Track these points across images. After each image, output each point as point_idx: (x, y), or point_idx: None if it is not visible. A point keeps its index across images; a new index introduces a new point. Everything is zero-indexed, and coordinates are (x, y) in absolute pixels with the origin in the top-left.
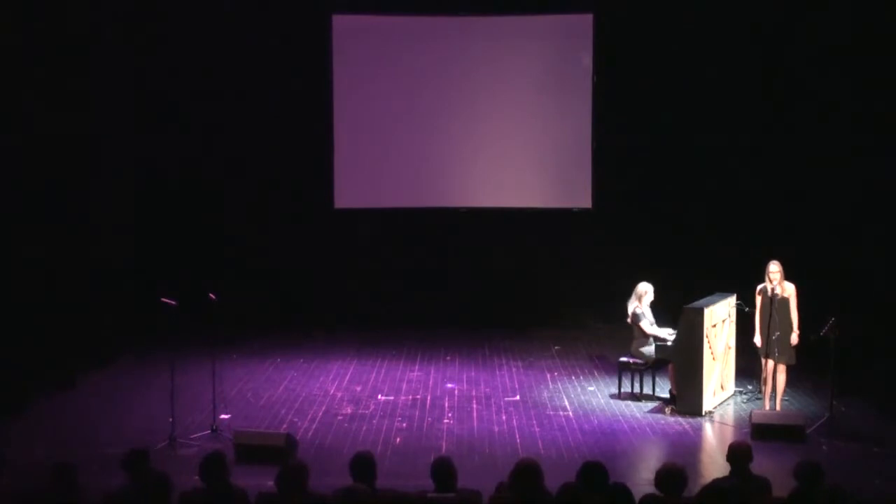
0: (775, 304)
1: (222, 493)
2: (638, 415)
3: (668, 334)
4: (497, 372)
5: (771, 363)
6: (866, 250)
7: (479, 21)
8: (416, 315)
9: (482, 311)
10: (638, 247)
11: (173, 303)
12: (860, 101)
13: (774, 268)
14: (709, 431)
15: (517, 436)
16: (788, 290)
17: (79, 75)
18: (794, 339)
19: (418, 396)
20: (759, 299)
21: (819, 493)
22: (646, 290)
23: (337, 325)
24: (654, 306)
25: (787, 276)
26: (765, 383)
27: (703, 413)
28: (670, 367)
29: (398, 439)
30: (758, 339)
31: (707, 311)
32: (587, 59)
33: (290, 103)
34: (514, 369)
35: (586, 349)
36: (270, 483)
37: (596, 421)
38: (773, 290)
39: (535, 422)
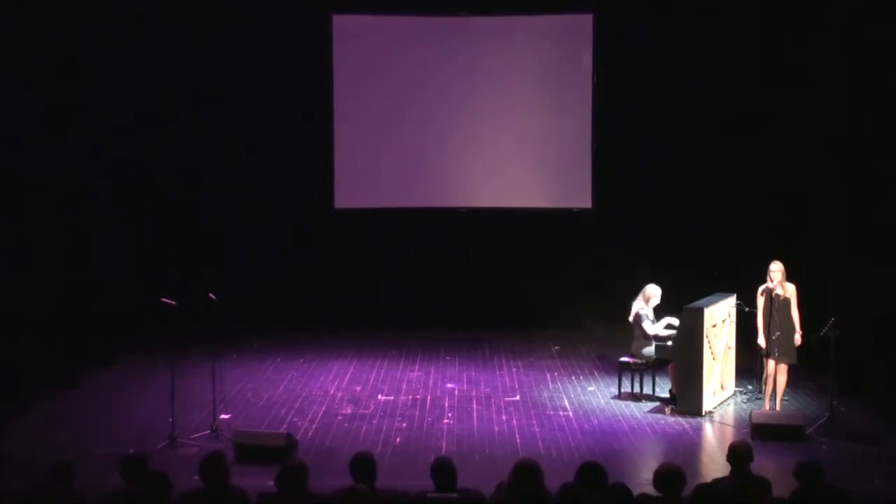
0: (776, 305)
1: (222, 493)
2: (638, 415)
3: (670, 322)
4: (497, 372)
5: (772, 363)
6: (866, 250)
7: (479, 21)
8: (416, 315)
9: (482, 311)
10: (638, 247)
11: (173, 303)
12: (861, 100)
13: (776, 267)
14: (709, 431)
15: (517, 436)
16: (790, 291)
17: (79, 74)
18: (798, 339)
19: (418, 396)
20: (761, 300)
21: (819, 493)
22: (653, 292)
23: (337, 325)
24: (656, 306)
25: (789, 276)
26: (766, 383)
27: (703, 413)
28: (670, 367)
29: (398, 439)
30: (761, 340)
31: (707, 311)
32: (587, 59)
33: (291, 103)
34: (514, 369)
35: (586, 349)
36: (270, 483)
37: (596, 421)
38: (773, 289)
39: (535, 422)
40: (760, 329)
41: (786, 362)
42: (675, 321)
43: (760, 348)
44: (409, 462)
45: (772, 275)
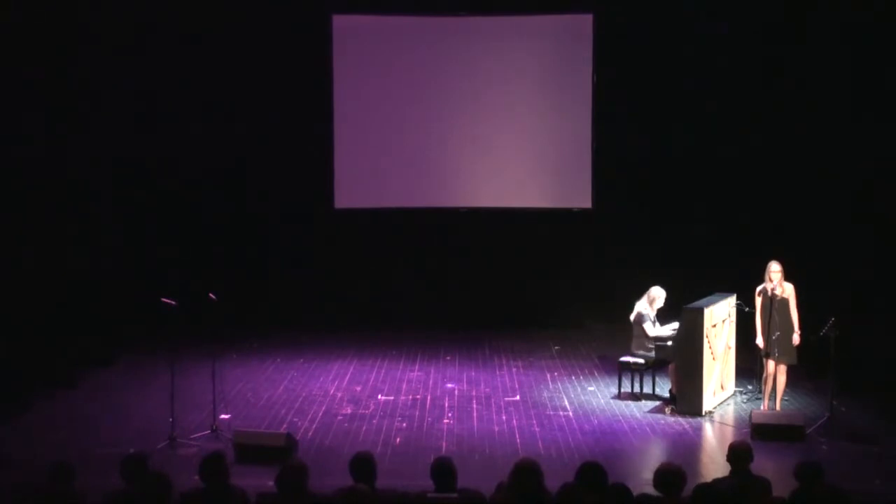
0: (776, 305)
1: (222, 493)
2: (638, 415)
3: (671, 330)
4: (497, 372)
5: (771, 363)
6: (866, 249)
7: (479, 21)
8: (416, 315)
9: (482, 311)
10: (638, 247)
11: (173, 303)
12: (860, 100)
13: (776, 267)
14: (709, 431)
15: (517, 436)
16: (788, 291)
17: (79, 75)
18: (796, 339)
19: (418, 396)
20: (759, 300)
21: (819, 493)
22: (658, 294)
23: (337, 325)
24: (659, 309)
25: (788, 276)
26: (765, 383)
27: (703, 413)
28: (670, 367)
29: (398, 439)
30: (759, 341)
31: (707, 311)
32: (587, 59)
33: (291, 103)
34: (514, 369)
35: (586, 349)
36: (270, 483)
37: (596, 421)
38: (773, 289)
39: (535, 422)
40: (759, 329)
41: (785, 362)
42: (672, 332)
43: (759, 349)
44: (409, 462)
45: (771, 275)
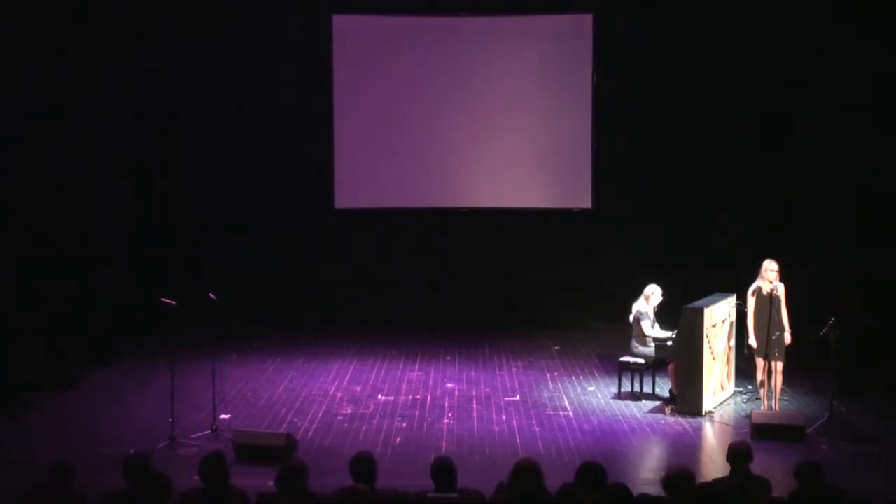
0: (775, 304)
1: (222, 493)
2: (638, 415)
3: (668, 334)
4: (497, 372)
5: (769, 363)
6: (865, 249)
7: (479, 21)
8: (415, 315)
9: (482, 311)
10: (638, 247)
11: (173, 303)
12: (859, 98)
13: (775, 266)
14: (709, 431)
15: (517, 436)
16: (780, 290)
17: (79, 74)
18: (788, 338)
19: (418, 396)
20: (752, 299)
21: (819, 493)
22: (653, 291)
23: (337, 325)
24: (659, 307)
25: (788, 275)
26: (762, 385)
27: (703, 413)
28: (670, 367)
29: (398, 439)
30: (752, 341)
31: (707, 311)
32: (587, 59)
33: (291, 103)
34: (514, 369)
35: (586, 349)
36: (270, 483)
37: (596, 421)
38: (774, 288)
39: (535, 422)
40: (751, 329)
41: (782, 361)
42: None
43: (751, 349)
44: (409, 462)
45: (769, 274)
